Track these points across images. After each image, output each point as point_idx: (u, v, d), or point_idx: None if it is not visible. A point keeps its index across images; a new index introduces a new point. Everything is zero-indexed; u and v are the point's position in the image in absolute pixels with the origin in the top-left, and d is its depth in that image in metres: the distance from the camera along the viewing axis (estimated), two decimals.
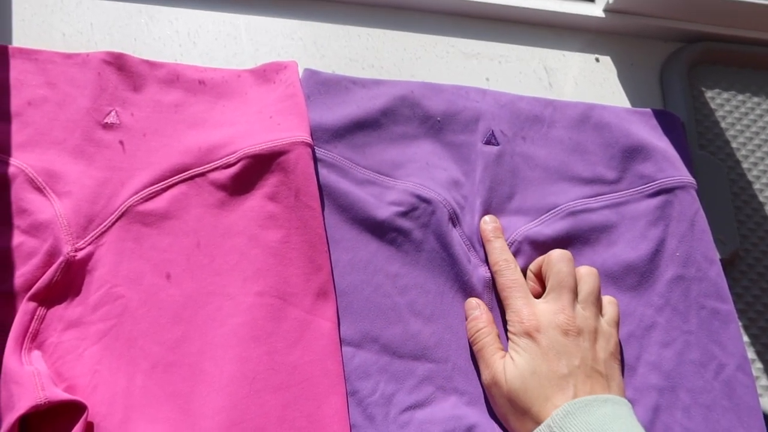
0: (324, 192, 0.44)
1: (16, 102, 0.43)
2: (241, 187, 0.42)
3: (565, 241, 0.45)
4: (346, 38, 0.53)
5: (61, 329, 0.39)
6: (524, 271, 0.44)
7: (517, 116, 0.49)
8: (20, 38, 0.48)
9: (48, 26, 0.49)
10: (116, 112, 0.44)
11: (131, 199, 0.42)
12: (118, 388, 0.37)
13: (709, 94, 0.54)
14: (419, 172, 0.46)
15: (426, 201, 0.45)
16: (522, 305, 0.40)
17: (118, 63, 0.45)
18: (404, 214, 0.44)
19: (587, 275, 0.42)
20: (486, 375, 0.40)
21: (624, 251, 0.45)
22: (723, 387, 0.42)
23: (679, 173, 0.47)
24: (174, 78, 0.46)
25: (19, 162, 0.41)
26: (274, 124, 0.44)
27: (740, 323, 0.46)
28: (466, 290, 0.43)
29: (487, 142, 0.48)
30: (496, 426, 0.40)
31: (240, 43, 0.51)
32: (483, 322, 0.41)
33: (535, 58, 0.55)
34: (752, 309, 0.47)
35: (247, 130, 0.44)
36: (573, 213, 0.46)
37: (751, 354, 0.46)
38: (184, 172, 0.43)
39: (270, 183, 0.42)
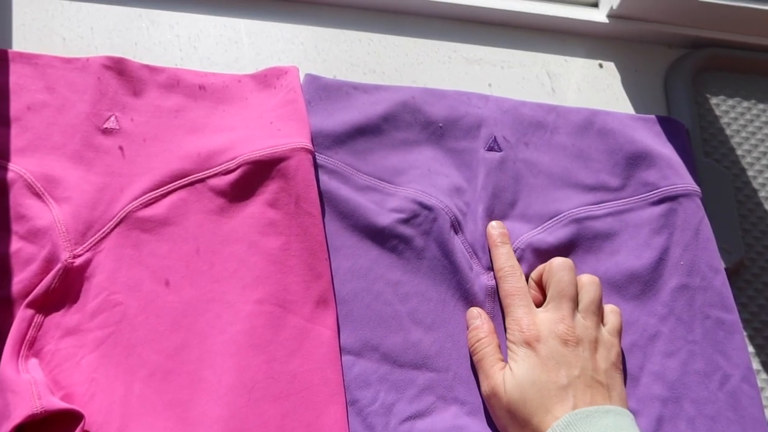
0: (324, 198, 0.44)
1: (15, 106, 0.43)
2: (241, 194, 0.42)
3: (568, 248, 0.45)
4: (348, 43, 0.53)
5: (59, 336, 0.38)
6: (526, 279, 0.43)
7: (520, 122, 0.49)
8: (20, 42, 0.48)
9: (48, 30, 0.49)
10: (116, 117, 0.44)
11: (130, 205, 0.41)
12: (116, 396, 0.37)
13: (714, 100, 0.54)
14: (421, 178, 0.46)
15: (427, 208, 0.44)
16: (523, 314, 0.40)
17: (118, 67, 0.45)
18: (405, 221, 0.44)
19: (589, 284, 0.41)
20: (485, 386, 0.40)
21: (627, 259, 0.45)
22: (728, 398, 0.41)
23: (684, 181, 0.47)
24: (174, 83, 0.46)
25: (17, 167, 0.41)
26: (275, 130, 0.44)
27: (745, 333, 0.46)
28: (468, 298, 0.43)
29: (490, 149, 0.47)
30: None
31: (241, 47, 0.51)
32: (484, 332, 0.41)
33: (538, 63, 0.54)
34: (757, 319, 0.47)
35: (247, 136, 0.44)
36: (576, 220, 0.46)
37: (756, 364, 0.45)
38: (184, 178, 0.42)
39: (270, 189, 0.42)
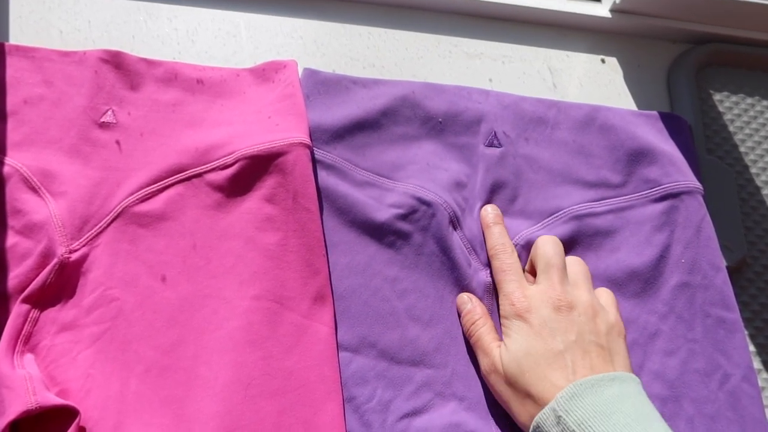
0: (322, 194, 0.43)
1: (12, 100, 0.43)
2: (238, 189, 0.42)
3: (568, 245, 0.45)
4: (347, 37, 0.52)
5: (55, 332, 0.38)
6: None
7: (521, 117, 0.48)
8: (17, 35, 0.47)
9: (45, 23, 0.48)
10: (113, 111, 0.44)
11: (127, 199, 0.41)
12: (112, 392, 0.37)
13: (717, 96, 0.53)
14: (420, 173, 0.45)
15: (426, 203, 0.44)
16: (514, 288, 0.40)
17: (116, 61, 0.45)
18: (404, 217, 0.43)
19: (574, 263, 0.42)
20: (485, 363, 0.39)
21: (628, 257, 0.44)
22: (728, 397, 0.41)
23: (686, 178, 0.47)
24: (172, 77, 0.45)
25: (14, 161, 0.41)
26: (273, 125, 0.43)
27: (746, 332, 0.45)
28: None
29: (490, 144, 0.47)
30: (497, 431, 0.39)
31: (239, 41, 0.50)
32: (477, 314, 0.41)
33: (540, 58, 0.54)
34: (759, 318, 0.46)
35: (245, 131, 0.43)
36: (577, 217, 0.45)
37: (757, 364, 0.45)
38: (181, 172, 0.42)
39: (267, 185, 0.41)
